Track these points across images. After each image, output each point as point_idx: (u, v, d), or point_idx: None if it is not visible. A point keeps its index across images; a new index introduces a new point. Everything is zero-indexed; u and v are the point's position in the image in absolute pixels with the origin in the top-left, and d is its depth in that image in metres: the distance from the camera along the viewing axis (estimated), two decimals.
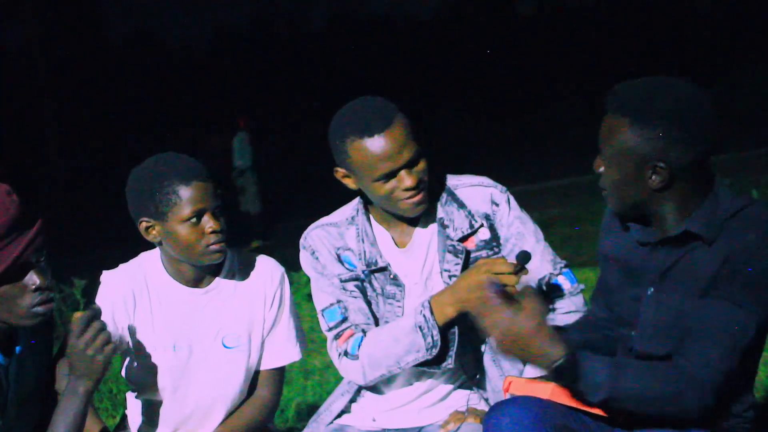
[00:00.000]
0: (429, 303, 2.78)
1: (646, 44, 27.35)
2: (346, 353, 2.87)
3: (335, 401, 3.06)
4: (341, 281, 2.93)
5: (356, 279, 2.93)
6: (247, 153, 14.08)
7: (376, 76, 27.21)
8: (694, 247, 2.49)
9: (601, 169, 2.54)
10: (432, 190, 2.89)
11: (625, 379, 2.36)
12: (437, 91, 27.70)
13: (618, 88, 2.52)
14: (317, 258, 2.97)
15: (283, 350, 3.03)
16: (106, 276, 2.97)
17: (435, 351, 2.78)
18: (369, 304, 2.92)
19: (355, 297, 2.92)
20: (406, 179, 2.76)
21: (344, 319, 2.90)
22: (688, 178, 2.47)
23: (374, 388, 3.00)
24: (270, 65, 30.35)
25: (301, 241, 3.01)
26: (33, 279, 2.60)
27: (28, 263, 2.59)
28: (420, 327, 2.77)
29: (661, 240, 2.54)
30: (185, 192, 2.79)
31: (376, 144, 2.73)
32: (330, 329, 2.92)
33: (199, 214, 2.81)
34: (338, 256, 2.95)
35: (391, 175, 2.76)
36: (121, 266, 3.00)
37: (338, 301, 2.91)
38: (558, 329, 2.51)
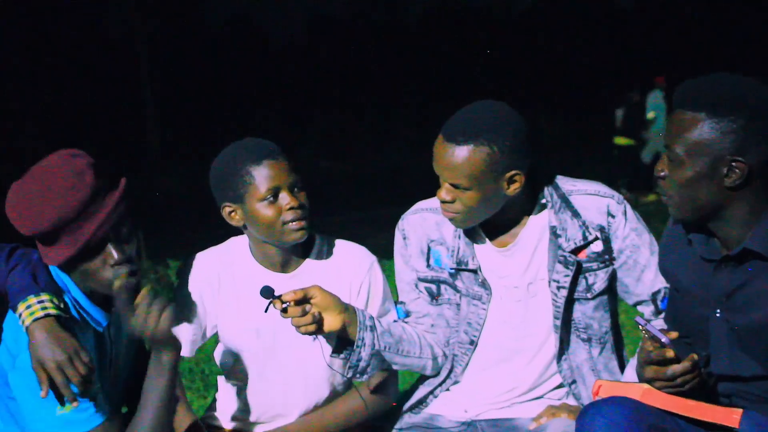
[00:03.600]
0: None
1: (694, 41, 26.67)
2: None
3: (420, 389, 3.08)
4: (419, 279, 2.97)
5: (432, 281, 2.96)
6: (660, 108, 14.88)
7: (473, 68, 27.09)
8: (758, 266, 2.42)
9: (663, 173, 2.46)
10: (543, 192, 2.87)
11: None
12: (530, 83, 27.42)
13: (688, 85, 2.45)
14: (407, 245, 3.00)
15: None
16: (196, 260, 3.02)
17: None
18: (439, 305, 2.96)
19: (417, 299, 2.98)
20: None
21: (406, 318, 3.03)
22: (764, 177, 2.40)
23: (469, 380, 3.00)
24: (366, 54, 30.42)
25: (399, 222, 3.03)
26: (111, 254, 2.63)
27: (106, 238, 2.62)
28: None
29: (724, 258, 2.47)
30: (258, 171, 2.84)
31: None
32: (395, 321, 3.01)
33: (275, 192, 2.84)
34: (428, 250, 2.97)
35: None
36: (212, 248, 3.05)
37: (403, 302, 3.02)
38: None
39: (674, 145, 2.42)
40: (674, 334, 2.44)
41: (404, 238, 3.01)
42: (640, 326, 2.46)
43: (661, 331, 2.45)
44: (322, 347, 2.90)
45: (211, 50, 30.79)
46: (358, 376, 2.91)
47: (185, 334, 2.96)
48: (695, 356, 2.44)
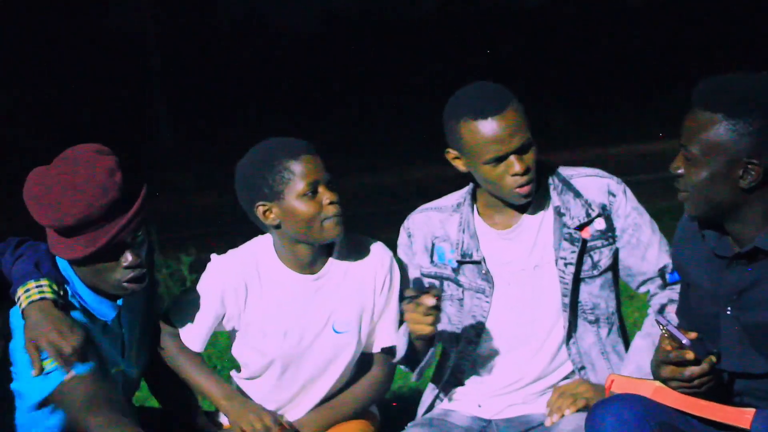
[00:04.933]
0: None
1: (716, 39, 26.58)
2: None
3: (426, 398, 3.10)
4: (422, 274, 2.99)
5: (436, 277, 2.99)
6: None
7: (485, 63, 27.03)
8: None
9: (680, 170, 2.47)
10: (545, 178, 2.91)
11: None
12: (543, 78, 27.36)
13: (706, 84, 2.45)
14: (412, 242, 3.03)
15: (393, 330, 3.04)
16: (217, 263, 2.98)
17: (400, 356, 2.89)
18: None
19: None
20: (516, 164, 2.79)
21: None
22: None
23: (477, 374, 3.01)
24: (377, 50, 30.41)
25: (404, 222, 3.07)
26: (126, 257, 2.65)
27: (124, 243, 2.64)
28: (404, 333, 2.87)
29: (735, 255, 2.47)
30: (297, 166, 2.83)
31: (489, 126, 2.78)
32: None
33: (314, 187, 2.83)
34: (432, 246, 3.00)
35: (501, 159, 2.79)
36: (232, 252, 3.01)
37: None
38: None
39: (691, 144, 2.43)
40: (693, 335, 2.44)
41: (409, 236, 3.04)
42: (660, 325, 2.47)
43: (681, 331, 2.45)
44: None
45: (223, 47, 30.79)
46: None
47: (200, 331, 2.97)
48: (713, 358, 2.44)
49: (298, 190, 2.82)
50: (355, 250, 3.01)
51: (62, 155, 2.67)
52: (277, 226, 2.88)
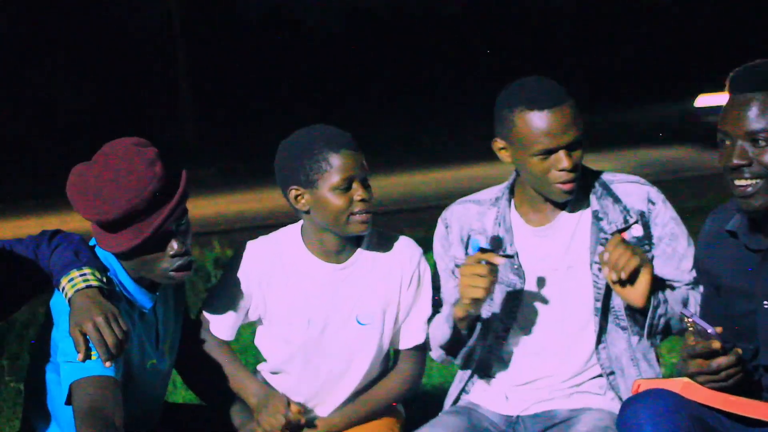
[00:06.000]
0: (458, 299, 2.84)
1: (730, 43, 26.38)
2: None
3: (452, 391, 3.10)
4: (456, 265, 2.98)
5: None
6: None
7: (508, 61, 26.96)
8: None
9: (736, 160, 2.42)
10: (586, 182, 2.90)
11: None
12: (567, 73, 27.26)
13: (742, 70, 2.44)
14: (448, 233, 3.04)
15: (423, 329, 3.05)
16: (248, 246, 3.04)
17: (444, 341, 2.90)
18: None
19: (456, 286, 2.95)
20: (564, 160, 2.79)
21: (435, 308, 3.04)
22: None
23: (504, 369, 3.00)
24: (403, 47, 30.38)
25: (443, 213, 3.08)
26: (172, 245, 2.69)
27: (169, 232, 2.67)
28: (447, 318, 2.88)
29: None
30: (335, 159, 2.86)
31: (543, 118, 2.78)
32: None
33: (348, 182, 2.86)
34: (468, 238, 2.98)
35: (550, 152, 2.79)
36: (262, 238, 3.06)
37: (439, 292, 3.03)
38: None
39: (746, 129, 2.39)
40: (719, 328, 2.41)
41: (446, 227, 3.05)
42: (686, 317, 2.44)
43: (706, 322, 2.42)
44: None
45: (248, 42, 30.85)
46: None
47: (230, 319, 3.01)
48: (739, 350, 2.41)
49: (333, 182, 2.86)
50: (385, 244, 3.03)
51: (101, 150, 2.71)
52: (307, 212, 2.92)
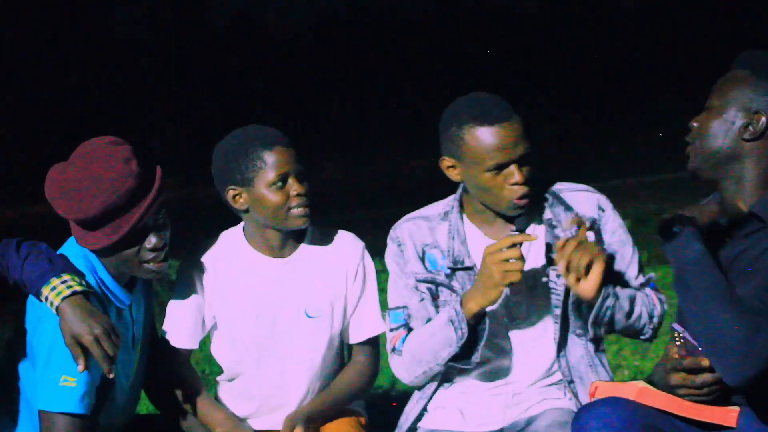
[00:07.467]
0: (461, 297, 2.83)
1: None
2: (394, 349, 2.96)
3: (412, 408, 3.05)
4: (417, 280, 2.97)
5: (432, 282, 2.96)
6: None
7: (481, 66, 27.03)
8: (759, 233, 2.46)
9: (695, 123, 2.58)
10: (536, 192, 2.89)
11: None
12: (535, 85, 27.39)
13: (749, 52, 2.60)
14: (403, 250, 3.00)
15: (372, 322, 3.08)
16: (193, 252, 3.09)
17: (461, 343, 2.82)
18: (437, 307, 2.94)
19: (423, 300, 2.96)
20: (516, 174, 2.79)
21: (405, 324, 2.96)
22: None
23: (465, 379, 2.98)
24: (370, 54, 30.39)
25: (390, 232, 3.04)
26: (150, 239, 2.75)
27: (147, 227, 2.73)
28: (451, 320, 2.82)
29: (728, 223, 2.51)
30: (269, 157, 2.92)
31: (494, 132, 2.79)
32: (391, 330, 2.98)
33: (283, 178, 2.92)
34: (423, 253, 2.98)
35: (502, 167, 2.79)
36: (205, 243, 3.10)
37: (405, 307, 2.97)
38: None
39: (714, 96, 2.57)
40: None
41: (399, 245, 3.00)
42: (676, 333, 2.48)
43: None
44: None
45: (215, 49, 30.72)
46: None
47: (187, 325, 3.03)
48: None
49: (268, 179, 2.91)
50: (327, 239, 3.08)
51: (78, 150, 2.76)
52: (246, 211, 2.97)
